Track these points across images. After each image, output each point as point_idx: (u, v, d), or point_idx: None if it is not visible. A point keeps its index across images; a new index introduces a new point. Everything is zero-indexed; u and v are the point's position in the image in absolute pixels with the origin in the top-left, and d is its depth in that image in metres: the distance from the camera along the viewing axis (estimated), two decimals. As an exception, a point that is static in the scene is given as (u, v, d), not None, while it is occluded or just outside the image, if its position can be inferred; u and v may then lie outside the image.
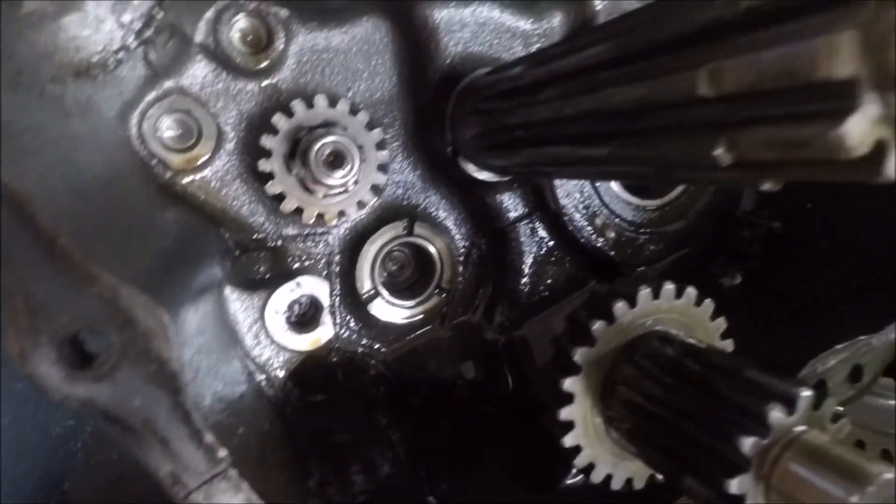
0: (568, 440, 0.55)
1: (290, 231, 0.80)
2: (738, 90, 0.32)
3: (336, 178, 0.67)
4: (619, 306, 0.55)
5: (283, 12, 0.72)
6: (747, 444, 0.40)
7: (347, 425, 0.71)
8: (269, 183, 0.70)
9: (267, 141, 0.69)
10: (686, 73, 0.34)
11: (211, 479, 0.37)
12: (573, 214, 0.86)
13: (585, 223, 0.87)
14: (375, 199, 0.79)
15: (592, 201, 0.88)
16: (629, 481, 0.59)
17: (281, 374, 0.68)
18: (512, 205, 0.87)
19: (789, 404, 0.41)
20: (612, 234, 0.90)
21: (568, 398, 0.54)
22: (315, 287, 0.71)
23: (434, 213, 0.88)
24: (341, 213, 0.76)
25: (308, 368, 0.78)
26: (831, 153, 0.29)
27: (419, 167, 0.86)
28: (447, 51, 0.80)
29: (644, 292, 0.56)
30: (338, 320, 0.85)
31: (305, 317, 0.71)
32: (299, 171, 0.68)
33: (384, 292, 0.85)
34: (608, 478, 0.58)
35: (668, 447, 0.48)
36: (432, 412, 0.83)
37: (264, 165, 0.69)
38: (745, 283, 0.91)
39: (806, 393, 0.41)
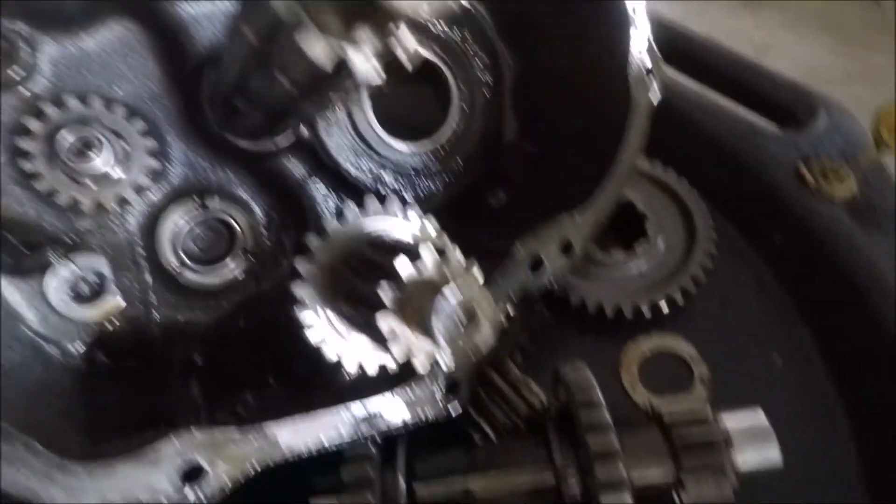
0: (311, 337, 0.68)
1: (85, 224, 0.88)
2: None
3: (92, 165, 0.76)
4: (330, 223, 0.69)
5: (22, 27, 0.79)
6: (384, 292, 0.54)
7: (151, 391, 0.80)
8: (39, 181, 0.78)
9: (24, 144, 0.76)
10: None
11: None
12: (348, 168, 0.99)
13: (362, 174, 1.01)
14: (155, 183, 0.89)
15: (364, 153, 1.01)
16: (383, 367, 0.74)
17: (75, 344, 0.77)
18: (294, 168, 0.98)
19: (414, 256, 0.56)
20: (391, 180, 1.04)
21: (300, 302, 0.67)
22: (92, 261, 0.79)
23: (228, 188, 0.98)
24: (122, 200, 0.85)
25: (122, 339, 0.87)
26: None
27: (201, 149, 0.95)
28: (199, 43, 0.90)
29: (352, 210, 0.70)
30: (153, 298, 0.95)
31: (92, 289, 0.79)
32: (63, 166, 0.77)
33: (190, 263, 0.95)
34: (361, 366, 0.72)
35: (365, 320, 0.62)
36: (252, 367, 0.94)
37: (27, 166, 0.77)
38: (508, 200, 1.08)
39: (424, 247, 0.56)
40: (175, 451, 0.60)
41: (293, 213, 1.03)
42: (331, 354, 0.69)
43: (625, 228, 1.07)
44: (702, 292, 1.02)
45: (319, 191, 1.01)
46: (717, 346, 0.98)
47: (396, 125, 1.03)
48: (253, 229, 1.00)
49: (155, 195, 0.91)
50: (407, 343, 0.54)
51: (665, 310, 0.97)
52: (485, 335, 0.52)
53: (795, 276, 1.01)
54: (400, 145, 1.03)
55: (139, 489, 0.59)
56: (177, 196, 0.94)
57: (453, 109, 1.06)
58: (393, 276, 0.55)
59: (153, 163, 0.84)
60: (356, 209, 0.71)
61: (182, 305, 0.97)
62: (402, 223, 0.71)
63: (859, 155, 1.00)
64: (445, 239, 0.67)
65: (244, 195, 1.00)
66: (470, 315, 0.52)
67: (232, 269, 0.98)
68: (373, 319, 0.60)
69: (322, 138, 0.98)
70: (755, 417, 0.73)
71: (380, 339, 0.62)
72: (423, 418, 0.75)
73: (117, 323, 0.89)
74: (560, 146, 1.05)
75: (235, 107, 0.76)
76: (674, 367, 0.98)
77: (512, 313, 0.96)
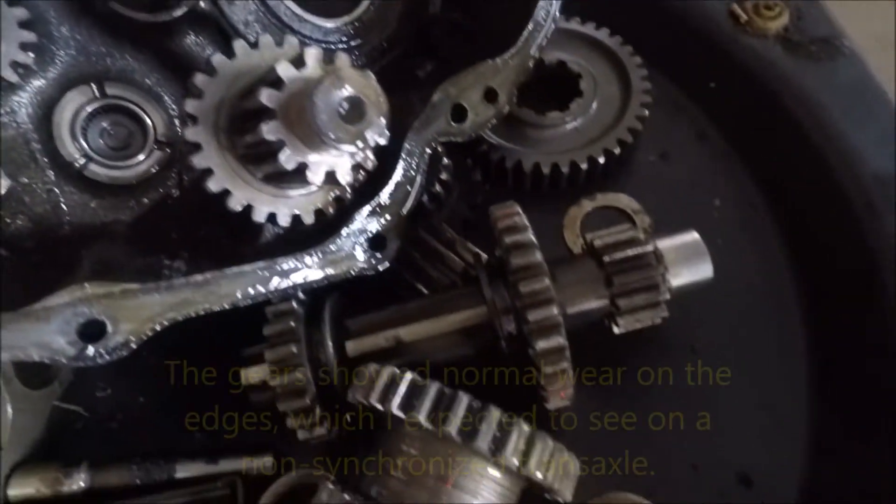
0: (212, 185, 0.63)
1: (-33, 116, 0.80)
2: None
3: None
4: (217, 58, 0.63)
5: None
6: (263, 95, 0.49)
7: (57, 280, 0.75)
8: None
9: None
10: None
11: None
12: (259, 44, 0.92)
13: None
14: (39, 65, 0.81)
15: (276, 28, 0.93)
16: (296, 217, 0.69)
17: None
18: (199, 48, 0.91)
19: (298, 62, 0.51)
20: (309, 56, 0.97)
21: (196, 146, 0.62)
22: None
23: (130, 75, 0.90)
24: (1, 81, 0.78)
25: (26, 235, 0.81)
26: None
27: (92, 30, 0.87)
28: None
29: (240, 43, 0.64)
30: (59, 196, 0.88)
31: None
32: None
33: (96, 157, 0.88)
34: (273, 216, 0.68)
35: (257, 155, 0.57)
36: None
37: None
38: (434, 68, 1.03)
39: (311, 50, 0.51)
40: (66, 304, 0.55)
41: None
42: (235, 204, 0.64)
43: (560, 90, 1.03)
44: (642, 148, 1.00)
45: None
46: (659, 197, 0.96)
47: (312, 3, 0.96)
48: (163, 117, 0.93)
49: (42, 80, 0.84)
50: (296, 149, 0.50)
51: (601, 160, 0.93)
52: (375, 126, 0.48)
53: (733, 120, 0.99)
54: (314, 19, 0.96)
55: (31, 346, 0.55)
56: (70, 83, 0.86)
57: (369, -21, 0.99)
58: (276, 83, 0.50)
59: (27, 35, 0.76)
60: (245, 44, 0.65)
61: (96, 203, 0.91)
62: (296, 55, 0.64)
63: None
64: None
65: (150, 83, 0.92)
66: (357, 106, 0.48)
67: (144, 161, 0.91)
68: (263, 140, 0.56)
69: (224, 11, 0.90)
70: (687, 235, 0.71)
71: (279, 171, 0.58)
72: (346, 274, 0.72)
73: (20, 221, 0.84)
74: (485, 5, 0.99)
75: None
76: (616, 221, 0.96)
77: (446, 177, 0.93)
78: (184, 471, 0.71)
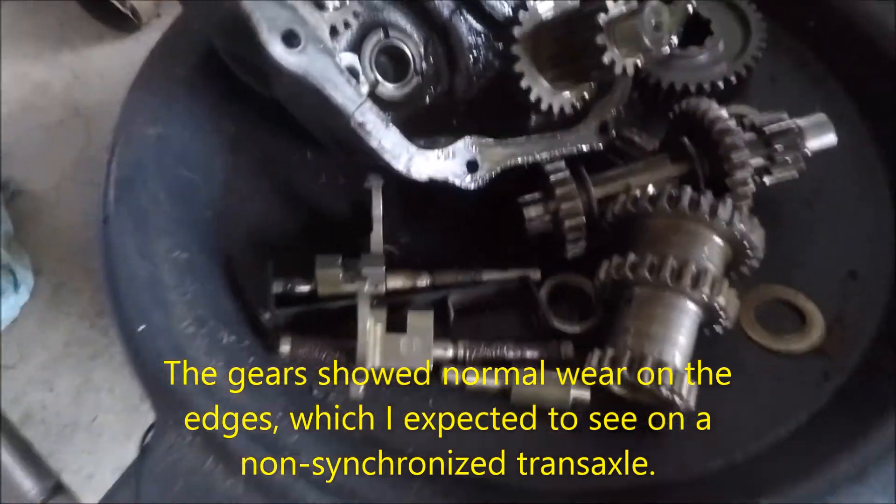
0: (524, 83, 1.01)
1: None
2: None
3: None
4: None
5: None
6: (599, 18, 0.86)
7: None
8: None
9: None
10: None
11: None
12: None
13: (497, 3, 1.29)
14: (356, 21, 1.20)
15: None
16: (561, 109, 1.07)
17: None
18: (442, 3, 1.28)
19: (615, -3, 0.88)
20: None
21: (515, 58, 0.99)
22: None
23: (396, 22, 1.28)
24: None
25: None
26: None
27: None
28: None
29: (541, -7, 1.01)
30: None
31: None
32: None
33: (381, 79, 1.27)
34: (550, 106, 1.06)
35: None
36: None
37: None
38: None
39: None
40: (462, 147, 0.94)
41: (445, 42, 1.33)
42: (534, 96, 1.02)
43: (693, 34, 1.40)
44: (755, 73, 1.36)
45: (464, 23, 1.30)
46: (770, 110, 1.33)
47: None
48: (419, 54, 1.30)
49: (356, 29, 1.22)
50: (613, 54, 0.87)
51: (721, 86, 1.30)
52: (668, 40, 0.86)
53: (831, 52, 1.35)
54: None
55: (446, 172, 0.94)
56: (367, 30, 1.25)
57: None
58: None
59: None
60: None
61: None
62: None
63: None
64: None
65: (408, 27, 1.30)
66: (659, 25, 0.85)
67: (408, 84, 1.29)
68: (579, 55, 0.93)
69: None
70: (816, 116, 1.10)
71: (578, 69, 0.95)
72: (585, 147, 1.11)
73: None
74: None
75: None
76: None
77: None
78: (487, 275, 1.10)
